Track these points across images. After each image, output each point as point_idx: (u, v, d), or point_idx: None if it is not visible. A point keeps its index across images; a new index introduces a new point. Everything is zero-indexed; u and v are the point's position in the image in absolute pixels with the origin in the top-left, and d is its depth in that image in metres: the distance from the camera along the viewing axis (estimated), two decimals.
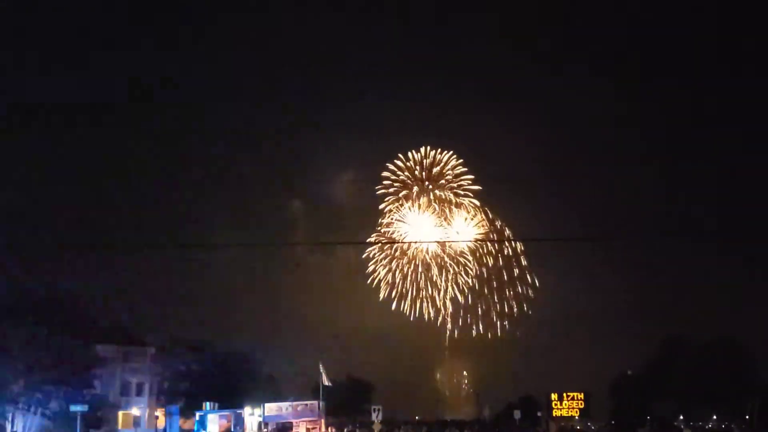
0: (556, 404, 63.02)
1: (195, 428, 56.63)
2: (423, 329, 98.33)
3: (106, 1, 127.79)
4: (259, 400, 60.54)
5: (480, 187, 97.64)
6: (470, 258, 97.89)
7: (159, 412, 66.86)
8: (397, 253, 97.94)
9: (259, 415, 57.82)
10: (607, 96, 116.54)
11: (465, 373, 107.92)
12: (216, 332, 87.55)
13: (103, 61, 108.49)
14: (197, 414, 57.08)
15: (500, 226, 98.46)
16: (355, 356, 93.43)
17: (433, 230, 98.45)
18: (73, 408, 44.36)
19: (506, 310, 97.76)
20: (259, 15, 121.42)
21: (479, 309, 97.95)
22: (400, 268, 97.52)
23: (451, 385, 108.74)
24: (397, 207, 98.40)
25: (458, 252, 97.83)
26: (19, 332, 46.78)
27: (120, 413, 64.51)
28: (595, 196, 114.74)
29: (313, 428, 55.74)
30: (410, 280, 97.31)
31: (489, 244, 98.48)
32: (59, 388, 49.68)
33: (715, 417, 78.33)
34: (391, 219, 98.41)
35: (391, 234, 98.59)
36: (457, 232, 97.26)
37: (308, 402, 58.78)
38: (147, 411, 66.68)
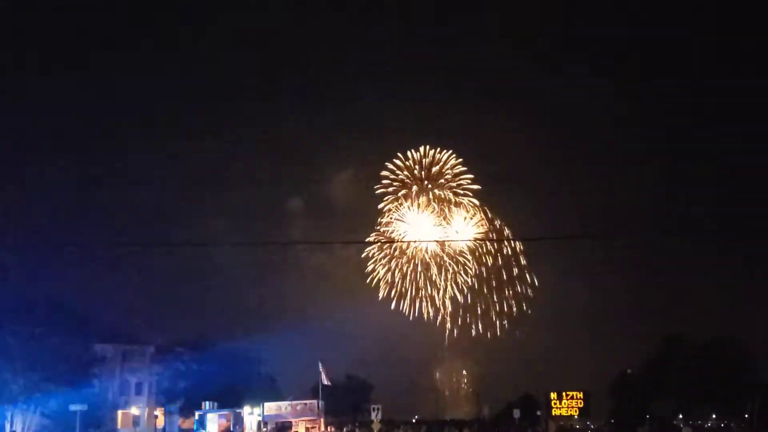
0: (555, 403, 62.92)
1: (194, 427, 56.69)
2: (422, 328, 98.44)
3: (106, 1, 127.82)
4: (258, 400, 60.58)
5: (479, 187, 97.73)
6: (469, 257, 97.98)
7: (158, 412, 66.84)
8: (397, 253, 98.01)
9: (259, 415, 57.85)
10: (607, 96, 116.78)
11: (464, 372, 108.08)
12: (215, 331, 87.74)
13: (103, 61, 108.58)
14: (196, 413, 57.16)
15: (499, 225, 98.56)
16: (355, 355, 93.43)
17: (432, 229, 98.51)
18: (72, 407, 44.38)
19: (505, 309, 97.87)
20: (259, 15, 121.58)
21: (478, 308, 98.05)
22: (399, 267, 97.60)
23: (451, 385, 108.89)
24: (396, 206, 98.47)
25: (457, 251, 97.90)
26: (18, 332, 46.77)
27: (119, 412, 64.49)
28: (594, 195, 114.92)
29: (313, 427, 55.77)
30: (409, 280, 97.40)
31: (488, 244, 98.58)
32: (58, 387, 49.62)
33: (714, 416, 78.35)
34: (391, 218, 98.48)
35: (391, 233, 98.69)
36: (456, 232, 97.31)
37: (307, 401, 58.83)
38: (146, 410, 66.63)
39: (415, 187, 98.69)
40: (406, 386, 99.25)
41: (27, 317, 47.70)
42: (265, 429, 56.42)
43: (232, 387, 65.20)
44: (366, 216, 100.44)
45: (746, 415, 66.01)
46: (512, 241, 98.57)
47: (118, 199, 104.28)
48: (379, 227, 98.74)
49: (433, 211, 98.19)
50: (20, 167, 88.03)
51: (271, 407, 56.85)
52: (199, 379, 66.42)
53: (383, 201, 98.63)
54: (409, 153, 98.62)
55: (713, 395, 67.82)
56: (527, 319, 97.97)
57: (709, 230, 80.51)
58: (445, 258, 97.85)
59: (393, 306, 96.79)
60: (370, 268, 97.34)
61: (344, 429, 56.49)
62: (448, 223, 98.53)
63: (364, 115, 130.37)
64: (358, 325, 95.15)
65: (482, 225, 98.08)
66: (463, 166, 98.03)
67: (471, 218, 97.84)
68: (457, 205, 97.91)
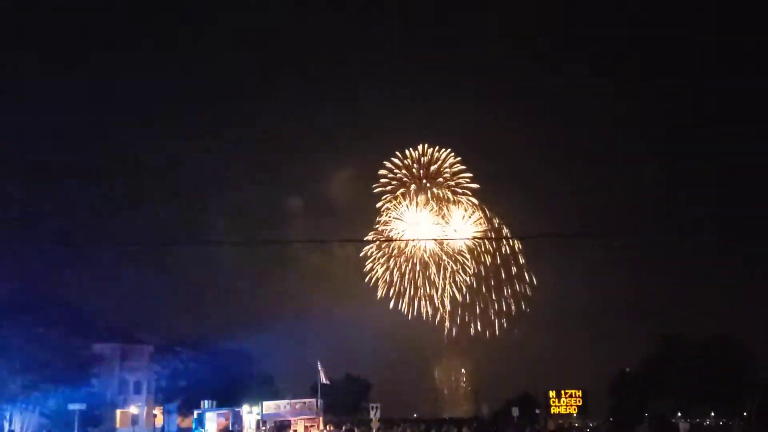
0: (554, 402, 62.95)
1: (193, 426, 56.63)
2: (421, 327, 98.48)
3: (106, 1, 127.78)
4: (257, 398, 60.48)
5: (478, 186, 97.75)
6: (468, 256, 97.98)
7: (157, 411, 66.88)
8: (395, 252, 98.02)
9: (258, 413, 57.75)
10: (607, 96, 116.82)
11: (463, 371, 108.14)
12: (214, 330, 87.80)
13: (104, 61, 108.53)
14: (195, 412, 57.08)
15: (498, 224, 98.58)
16: (354, 354, 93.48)
17: (430, 228, 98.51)
18: (71, 406, 44.36)
19: (504, 308, 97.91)
20: (259, 15, 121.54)
21: (477, 307, 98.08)
22: (398, 266, 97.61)
23: (450, 383, 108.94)
24: (394, 205, 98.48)
25: (456, 250, 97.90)
26: (16, 330, 46.78)
27: (118, 411, 64.53)
28: (594, 195, 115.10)
29: (311, 426, 55.67)
30: (408, 279, 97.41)
31: (487, 242, 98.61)
32: (57, 386, 49.68)
33: (713, 414, 78.45)
34: (389, 217, 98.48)
35: (389, 232, 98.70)
36: (455, 230, 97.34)
37: (306, 400, 58.72)
38: (145, 409, 66.65)
39: (413, 186, 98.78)
40: (405, 385, 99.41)
41: (26, 316, 47.72)
42: (263, 428, 56.33)
43: (230, 386, 65.21)
44: (365, 215, 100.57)
45: (745, 414, 66.10)
46: (511, 240, 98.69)
47: (117, 199, 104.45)
48: (377, 226, 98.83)
49: (431, 210, 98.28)
50: (20, 167, 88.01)
51: (269, 406, 56.76)
52: (197, 378, 66.46)
53: (382, 200, 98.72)
54: (407, 151, 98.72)
55: (713, 395, 67.94)
56: (526, 318, 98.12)
57: (709, 230, 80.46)
58: (444, 257, 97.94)
59: (392, 305, 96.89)
60: (368, 267, 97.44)
61: (343, 428, 56.39)
62: (446, 222, 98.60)
63: (363, 115, 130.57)
64: (357, 324, 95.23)
65: (481, 224, 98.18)
66: (462, 165, 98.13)
67: (469, 217, 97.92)
68: (456, 203, 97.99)
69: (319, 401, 57.25)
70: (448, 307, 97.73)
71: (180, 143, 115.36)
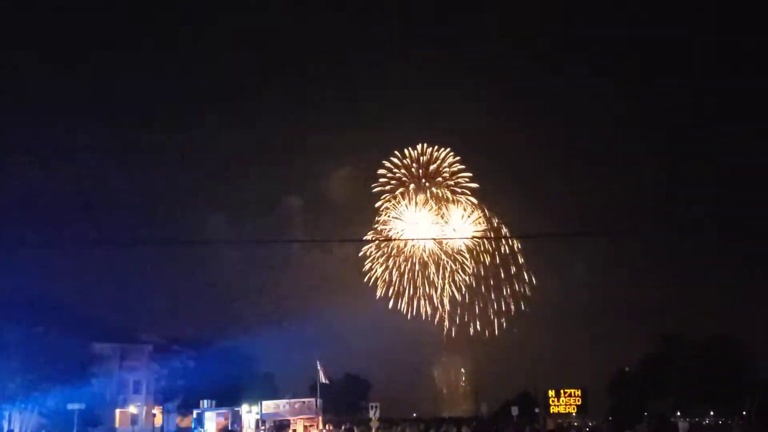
0: (553, 401, 62.99)
1: (192, 426, 56.61)
2: (420, 327, 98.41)
3: (106, 1, 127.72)
4: (256, 398, 60.47)
5: (477, 185, 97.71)
6: (467, 256, 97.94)
7: (156, 410, 66.84)
8: (394, 251, 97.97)
9: (257, 413, 57.74)
10: (607, 96, 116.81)
11: (462, 370, 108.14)
12: (213, 330, 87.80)
13: (104, 61, 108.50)
14: (194, 412, 57.06)
15: (497, 223, 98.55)
16: (353, 354, 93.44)
17: (430, 228, 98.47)
18: (70, 406, 44.33)
19: (503, 307, 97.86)
20: (259, 15, 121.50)
21: (476, 307, 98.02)
22: (397, 266, 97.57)
23: (449, 383, 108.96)
24: (393, 205, 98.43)
25: (455, 250, 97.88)
26: (16, 330, 46.76)
27: (117, 411, 64.47)
28: (594, 195, 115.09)
29: (311, 426, 55.66)
30: (407, 278, 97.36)
31: (486, 242, 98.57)
32: (56, 386, 49.64)
33: (712, 414, 78.53)
34: (388, 217, 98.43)
35: (388, 232, 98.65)
36: (454, 230, 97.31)
37: (306, 399, 58.72)
38: (144, 409, 66.59)
39: (412, 186, 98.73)
40: (405, 384, 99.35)
41: (25, 316, 47.70)
42: (263, 427, 56.33)
43: (230, 385, 65.18)
44: (364, 214, 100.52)
45: (744, 413, 66.13)
46: (510, 239, 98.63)
47: (117, 198, 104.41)
48: (376, 226, 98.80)
49: (430, 210, 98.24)
50: (19, 166, 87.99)
51: (269, 405, 56.76)
52: (197, 378, 66.46)
53: (381, 199, 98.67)
54: (406, 151, 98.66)
55: (713, 395, 68.02)
56: (525, 318, 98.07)
57: (709, 230, 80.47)
58: (443, 256, 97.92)
59: (391, 304, 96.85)
60: (367, 266, 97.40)
61: (342, 427, 56.36)
62: (445, 222, 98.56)
63: (363, 115, 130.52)
64: (357, 323, 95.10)
65: (480, 223, 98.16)
66: (461, 165, 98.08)
67: (468, 216, 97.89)
68: (455, 203, 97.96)
69: (319, 401, 57.23)
70: (447, 307, 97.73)
71: (180, 143, 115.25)
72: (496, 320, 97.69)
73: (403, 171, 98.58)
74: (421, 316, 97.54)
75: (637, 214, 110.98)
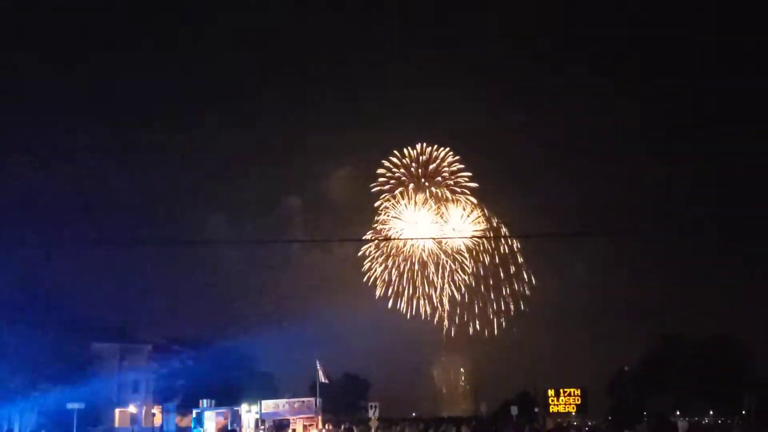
0: (552, 400, 63.10)
1: (192, 425, 56.58)
2: (420, 326, 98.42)
3: (106, 1, 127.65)
4: (256, 398, 60.48)
5: (477, 185, 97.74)
6: (466, 255, 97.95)
7: (156, 410, 66.94)
8: (393, 251, 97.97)
9: (256, 412, 57.75)
10: (607, 96, 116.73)
11: (462, 369, 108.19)
12: (212, 329, 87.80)
13: (104, 61, 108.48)
14: (194, 411, 57.05)
15: (497, 223, 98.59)
16: (352, 353, 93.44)
17: (429, 227, 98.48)
18: (70, 406, 44.33)
19: (503, 307, 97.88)
20: (259, 15, 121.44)
21: (476, 306, 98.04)
22: (396, 265, 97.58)
23: (449, 382, 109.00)
24: (393, 204, 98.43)
25: (455, 249, 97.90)
26: (15, 330, 46.74)
27: (117, 411, 64.56)
28: (594, 195, 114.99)
29: (310, 425, 55.66)
30: (407, 278, 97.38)
31: (485, 241, 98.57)
32: (56, 385, 49.68)
33: (711, 412, 78.57)
34: (387, 216, 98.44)
35: (388, 231, 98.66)
36: (453, 229, 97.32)
37: (305, 399, 58.73)
38: (144, 408, 66.71)
39: (411, 185, 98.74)
40: (404, 384, 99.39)
41: (24, 315, 47.68)
42: (262, 427, 56.33)
43: (229, 385, 65.25)
44: (363, 214, 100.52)
45: (743, 413, 66.20)
46: (509, 239, 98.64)
47: (116, 198, 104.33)
48: (376, 225, 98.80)
49: (430, 209, 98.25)
50: (19, 166, 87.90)
51: (268, 405, 56.75)
52: (196, 377, 66.45)
53: (380, 199, 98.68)
54: (406, 150, 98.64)
55: (713, 394, 68.08)
56: (525, 317, 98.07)
57: (709, 230, 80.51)
58: (442, 256, 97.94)
59: (390, 304, 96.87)
60: (367, 266, 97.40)
61: (342, 427, 56.32)
62: (445, 221, 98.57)
63: (363, 114, 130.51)
64: (356, 323, 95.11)
65: (479, 222, 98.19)
66: (461, 164, 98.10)
67: (468, 216, 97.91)
68: (455, 202, 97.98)
69: (318, 400, 57.24)
70: (446, 307, 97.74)
71: (179, 142, 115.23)
72: (495, 320, 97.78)
73: (402, 170, 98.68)
74: (421, 316, 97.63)
75: (637, 214, 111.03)
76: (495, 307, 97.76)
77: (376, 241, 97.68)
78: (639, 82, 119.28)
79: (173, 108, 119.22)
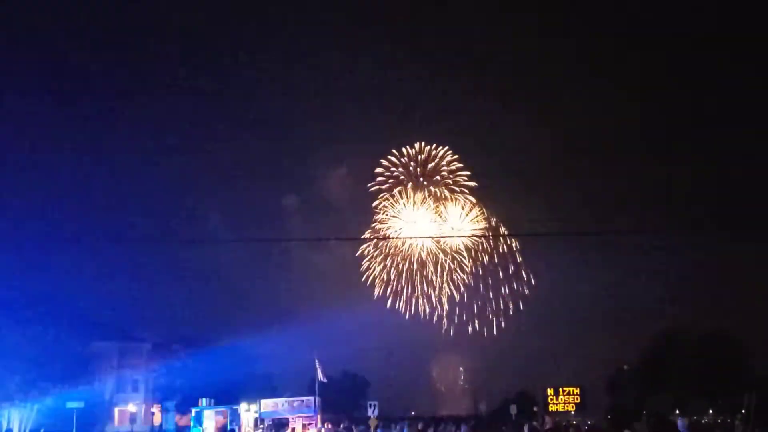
0: (552, 399, 63.02)
1: (191, 424, 56.61)
2: (419, 325, 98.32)
3: (106, 1, 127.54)
4: (255, 397, 60.56)
5: (476, 184, 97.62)
6: (465, 254, 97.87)
7: (155, 409, 66.94)
8: (392, 251, 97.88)
9: (256, 411, 57.83)
10: (607, 96, 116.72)
11: (461, 369, 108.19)
12: (212, 328, 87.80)
13: (103, 61, 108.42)
14: (193, 410, 57.08)
15: (495, 222, 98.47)
16: (351, 353, 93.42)
17: (428, 226, 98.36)
18: (69, 405, 44.34)
19: (502, 306, 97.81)
20: (259, 15, 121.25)
21: (475, 305, 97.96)
22: (395, 264, 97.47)
23: (448, 381, 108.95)
24: (391, 203, 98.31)
25: (454, 248, 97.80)
26: (14, 329, 46.71)
27: (116, 410, 64.54)
28: (593, 194, 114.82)
29: (309, 424, 55.72)
30: (405, 277, 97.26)
31: (484, 241, 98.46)
32: (55, 384, 49.65)
33: (711, 411, 78.60)
34: (386, 215, 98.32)
35: (386, 230, 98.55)
36: (452, 228, 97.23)
37: (304, 398, 58.79)
38: (143, 407, 66.69)
39: (410, 184, 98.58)
40: (403, 383, 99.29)
41: (24, 314, 47.66)
42: (261, 426, 56.38)
43: (228, 384, 65.20)
44: (361, 213, 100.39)
45: (743, 411, 66.24)
46: (509, 238, 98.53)
47: (116, 197, 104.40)
48: (374, 224, 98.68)
49: (428, 208, 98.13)
50: (18, 165, 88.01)
51: (267, 404, 56.85)
52: (195, 376, 66.48)
53: (378, 198, 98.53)
54: (404, 149, 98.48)
55: (713, 394, 68.07)
56: (524, 316, 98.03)
57: (708, 230, 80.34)
58: (441, 255, 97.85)
59: (389, 303, 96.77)
60: (365, 265, 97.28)
61: (341, 425, 56.37)
62: (444, 220, 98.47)
63: (362, 114, 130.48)
64: (355, 322, 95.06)
65: (479, 221, 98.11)
66: (460, 163, 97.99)
67: (467, 215, 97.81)
68: (453, 201, 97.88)
69: (317, 399, 57.27)
70: (445, 306, 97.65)
71: (179, 142, 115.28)
72: (494, 319, 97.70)
73: (401, 169, 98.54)
74: (420, 315, 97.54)
75: (636, 212, 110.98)
76: (494, 306, 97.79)
77: (375, 240, 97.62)
78: (639, 82, 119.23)
79: (173, 108, 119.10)
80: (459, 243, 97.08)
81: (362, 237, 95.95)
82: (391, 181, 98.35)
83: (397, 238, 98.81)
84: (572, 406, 63.86)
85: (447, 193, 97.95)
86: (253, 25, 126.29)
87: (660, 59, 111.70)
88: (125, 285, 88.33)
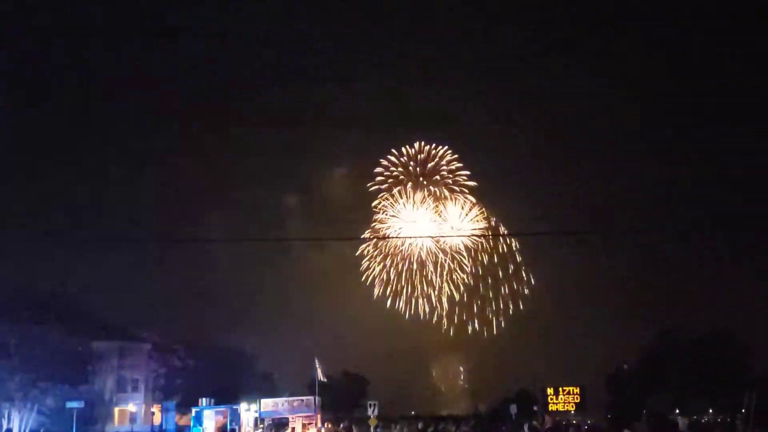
0: (551, 399, 62.97)
1: (191, 424, 56.64)
2: (418, 325, 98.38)
3: (106, 1, 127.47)
4: (255, 396, 60.56)
5: (475, 183, 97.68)
6: (465, 254, 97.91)
7: (155, 408, 66.91)
8: (392, 250, 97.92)
9: (255, 411, 57.84)
10: (607, 96, 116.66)
11: (461, 368, 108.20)
12: (212, 328, 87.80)
13: (103, 61, 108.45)
14: (193, 410, 57.10)
15: (495, 222, 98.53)
16: (351, 352, 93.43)
17: (427, 226, 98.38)
18: (69, 404, 44.35)
19: (502, 306, 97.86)
20: (259, 15, 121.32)
21: (475, 305, 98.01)
22: (394, 264, 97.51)
23: (447, 381, 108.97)
24: (391, 203, 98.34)
25: (453, 248, 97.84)
26: (15, 328, 46.78)
27: (116, 409, 64.54)
28: (593, 194, 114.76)
29: (309, 424, 55.76)
30: (405, 277, 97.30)
31: (484, 241, 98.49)
32: (55, 384, 49.70)
33: (711, 410, 78.51)
34: (385, 215, 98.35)
35: (386, 230, 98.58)
36: (452, 227, 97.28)
37: (304, 398, 58.84)
38: (143, 407, 66.71)
39: (410, 184, 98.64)
40: (403, 383, 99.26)
41: (24, 314, 47.72)
42: (261, 426, 56.42)
43: (228, 384, 65.26)
44: (361, 213, 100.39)
45: (743, 410, 66.25)
46: (508, 238, 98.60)
47: (116, 197, 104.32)
48: (374, 224, 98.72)
49: (428, 208, 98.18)
50: (18, 165, 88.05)
51: (267, 404, 56.89)
52: (195, 376, 66.56)
53: (378, 198, 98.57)
54: (404, 149, 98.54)
55: (713, 393, 67.96)
56: (524, 316, 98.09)
57: (708, 230, 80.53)
58: (441, 255, 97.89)
59: (389, 303, 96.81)
60: (365, 265, 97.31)
61: (341, 425, 56.47)
62: (443, 220, 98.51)
63: (362, 114, 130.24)
64: (355, 322, 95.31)
65: (478, 221, 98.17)
66: (459, 163, 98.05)
67: (466, 215, 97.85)
68: (453, 201, 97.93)
69: (317, 399, 57.29)
70: (445, 305, 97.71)
71: (178, 142, 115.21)
72: (494, 318, 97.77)
73: (400, 169, 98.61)
74: (420, 315, 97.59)
75: (636, 211, 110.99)
76: (494, 305, 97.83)
77: (375, 240, 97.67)
78: (639, 82, 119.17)
79: (172, 107, 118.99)
80: (459, 243, 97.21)
81: (362, 237, 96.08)
82: (390, 180, 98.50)
83: (396, 237, 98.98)
84: (572, 406, 63.82)
85: (447, 193, 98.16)
86: (253, 25, 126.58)
87: (660, 59, 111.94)
88: (125, 285, 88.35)
